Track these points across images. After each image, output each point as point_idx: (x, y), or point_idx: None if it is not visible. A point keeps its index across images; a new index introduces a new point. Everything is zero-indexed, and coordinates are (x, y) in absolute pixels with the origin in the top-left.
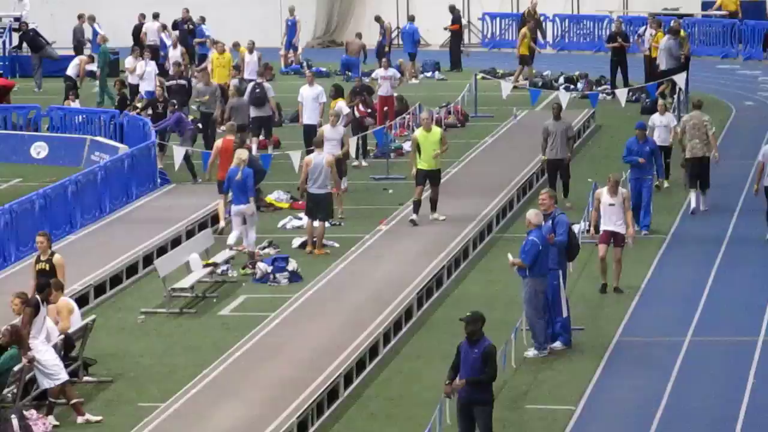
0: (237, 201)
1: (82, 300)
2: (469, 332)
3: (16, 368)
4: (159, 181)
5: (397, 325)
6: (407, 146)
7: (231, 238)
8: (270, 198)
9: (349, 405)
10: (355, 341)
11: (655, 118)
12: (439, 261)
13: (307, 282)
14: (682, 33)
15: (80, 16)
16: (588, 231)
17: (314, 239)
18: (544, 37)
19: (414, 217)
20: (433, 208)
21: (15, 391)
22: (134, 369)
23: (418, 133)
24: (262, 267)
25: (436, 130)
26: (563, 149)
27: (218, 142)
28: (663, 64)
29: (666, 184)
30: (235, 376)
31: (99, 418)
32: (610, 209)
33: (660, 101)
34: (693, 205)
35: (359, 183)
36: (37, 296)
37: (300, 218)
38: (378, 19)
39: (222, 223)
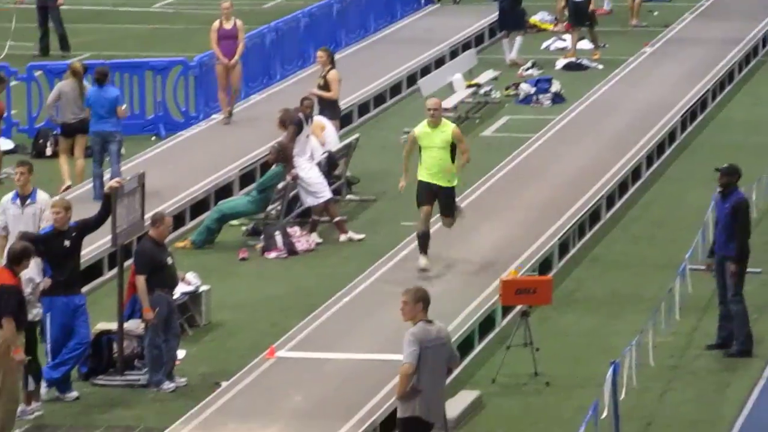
0: None
1: (345, 119)
2: (724, 183)
3: (280, 186)
4: (423, 1)
5: (660, 147)
6: None
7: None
8: (534, 19)
9: (611, 227)
10: (617, 163)
11: None
12: (703, 84)
13: (570, 103)
14: None
15: None
16: None
17: None
18: None
19: (422, 262)
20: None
21: (279, 208)
22: (396, 188)
23: (419, 129)
24: (525, 88)
25: (447, 126)
26: None
27: None
28: None
29: None
30: (496, 196)
31: (361, 236)
32: None
33: None
34: None
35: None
36: (300, 114)
37: (564, 39)
38: None
39: None
